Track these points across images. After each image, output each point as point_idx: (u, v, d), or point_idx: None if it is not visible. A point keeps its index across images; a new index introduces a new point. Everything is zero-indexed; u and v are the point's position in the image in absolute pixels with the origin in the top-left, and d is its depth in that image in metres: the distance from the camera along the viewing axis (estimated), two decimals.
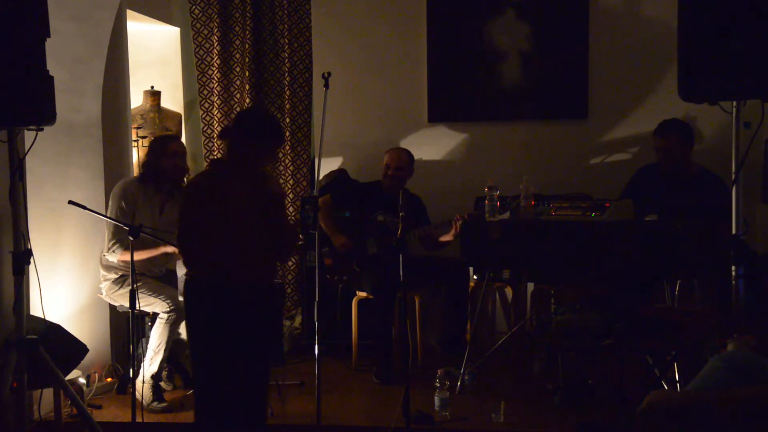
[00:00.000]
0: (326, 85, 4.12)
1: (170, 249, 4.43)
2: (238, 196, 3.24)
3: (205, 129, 5.92)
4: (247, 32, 5.83)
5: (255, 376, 3.32)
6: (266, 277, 3.39)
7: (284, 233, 3.35)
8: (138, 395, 4.11)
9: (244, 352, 3.27)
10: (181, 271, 4.31)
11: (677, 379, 4.03)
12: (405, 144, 5.64)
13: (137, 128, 5.58)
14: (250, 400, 3.32)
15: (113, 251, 4.39)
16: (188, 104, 6.13)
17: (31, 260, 3.56)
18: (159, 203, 4.59)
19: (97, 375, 4.61)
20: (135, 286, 3.84)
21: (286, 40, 5.85)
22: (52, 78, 3.47)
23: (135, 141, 5.45)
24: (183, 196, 3.41)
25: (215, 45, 5.85)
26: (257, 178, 3.31)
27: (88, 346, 4.20)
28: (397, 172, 5.15)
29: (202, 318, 3.30)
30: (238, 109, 5.90)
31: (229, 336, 3.25)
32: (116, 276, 4.50)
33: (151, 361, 4.38)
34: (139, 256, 4.25)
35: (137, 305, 3.85)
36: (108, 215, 4.38)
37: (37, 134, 3.52)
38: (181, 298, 4.38)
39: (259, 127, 3.37)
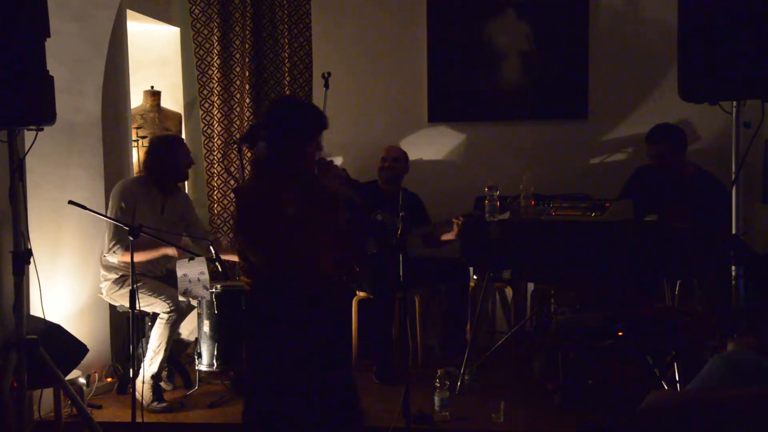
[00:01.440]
0: (326, 85, 4.13)
1: (170, 251, 4.43)
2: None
3: (205, 129, 5.92)
4: (247, 32, 5.83)
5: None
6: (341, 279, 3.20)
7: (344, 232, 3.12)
8: (138, 395, 4.11)
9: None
10: (180, 271, 4.31)
11: (677, 379, 4.03)
12: (405, 144, 5.64)
13: (137, 128, 5.58)
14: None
15: (114, 252, 4.39)
16: (188, 104, 6.13)
17: (31, 260, 3.55)
18: (160, 203, 4.59)
19: (97, 375, 4.60)
20: (135, 286, 3.84)
21: (286, 40, 5.84)
22: (52, 78, 3.47)
23: (135, 141, 5.44)
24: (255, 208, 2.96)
25: (215, 45, 5.84)
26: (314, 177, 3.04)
27: (88, 346, 4.20)
28: (394, 164, 5.16)
29: (284, 329, 2.97)
30: (238, 109, 5.90)
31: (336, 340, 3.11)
32: (116, 276, 4.50)
33: (151, 362, 4.38)
34: (140, 257, 4.25)
35: (137, 305, 3.85)
36: (108, 215, 4.38)
37: (37, 134, 3.52)
38: (181, 298, 4.38)
39: (296, 114, 3.04)
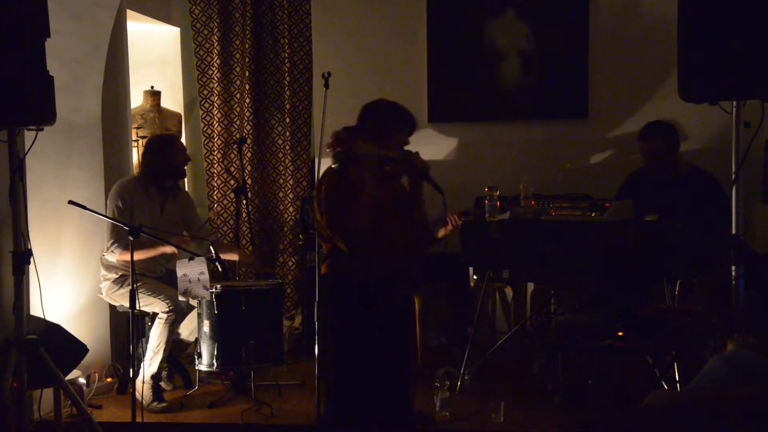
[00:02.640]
0: (326, 85, 4.12)
1: (169, 249, 4.43)
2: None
3: (205, 129, 5.92)
4: (247, 32, 5.83)
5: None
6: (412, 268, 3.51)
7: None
8: (138, 395, 4.11)
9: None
10: (180, 271, 4.31)
11: (677, 379, 4.03)
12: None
13: (137, 128, 5.58)
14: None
15: (112, 251, 4.39)
16: (188, 104, 6.13)
17: (31, 260, 3.55)
18: (159, 202, 4.59)
19: (97, 375, 4.60)
20: (135, 286, 3.84)
21: (286, 40, 5.85)
22: (52, 78, 3.47)
23: (135, 141, 5.45)
24: (338, 189, 3.29)
25: (215, 45, 5.85)
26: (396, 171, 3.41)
27: (88, 346, 4.19)
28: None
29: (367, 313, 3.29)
30: (238, 109, 5.90)
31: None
32: (116, 276, 4.50)
33: (151, 361, 4.38)
34: (138, 255, 4.25)
35: (137, 305, 3.85)
36: (108, 215, 4.38)
37: (37, 134, 3.52)
38: (181, 298, 4.38)
39: (385, 113, 3.46)
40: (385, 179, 3.37)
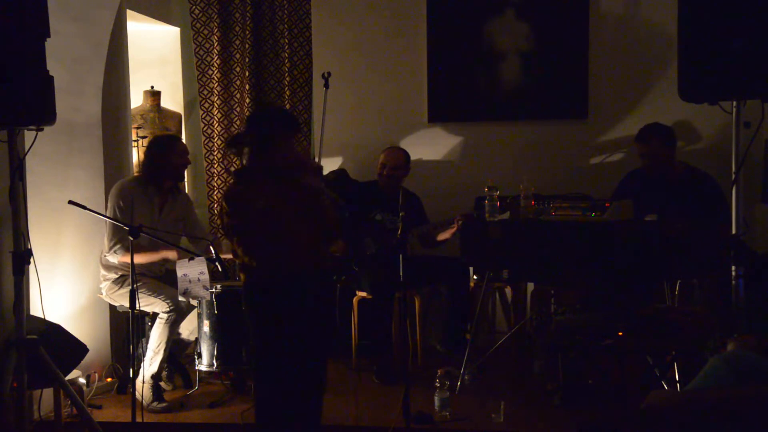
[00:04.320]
0: (326, 85, 4.12)
1: (171, 255, 4.43)
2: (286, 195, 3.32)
3: (205, 129, 5.92)
4: (247, 32, 5.83)
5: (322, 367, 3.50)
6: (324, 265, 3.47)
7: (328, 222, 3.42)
8: (138, 395, 4.11)
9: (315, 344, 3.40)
10: (180, 271, 4.31)
11: (677, 379, 4.03)
12: (405, 144, 5.64)
13: (137, 128, 5.58)
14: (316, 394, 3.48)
15: (114, 252, 4.39)
16: (188, 104, 6.13)
17: (31, 260, 3.55)
18: (158, 203, 4.59)
19: (97, 375, 4.61)
20: (135, 286, 3.84)
21: (286, 40, 5.85)
22: (52, 78, 3.47)
23: (135, 141, 5.44)
24: (232, 210, 3.30)
25: (215, 45, 5.85)
26: (290, 174, 3.35)
27: (88, 346, 4.19)
28: (393, 172, 5.15)
29: (277, 314, 3.32)
30: (238, 109, 5.90)
31: (304, 328, 3.34)
32: (116, 276, 4.50)
33: (151, 361, 4.38)
34: (140, 259, 4.26)
35: (137, 305, 3.85)
36: (108, 215, 4.38)
37: (37, 134, 3.52)
38: (181, 298, 4.38)
39: (266, 122, 3.38)
40: (281, 191, 3.33)
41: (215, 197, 5.92)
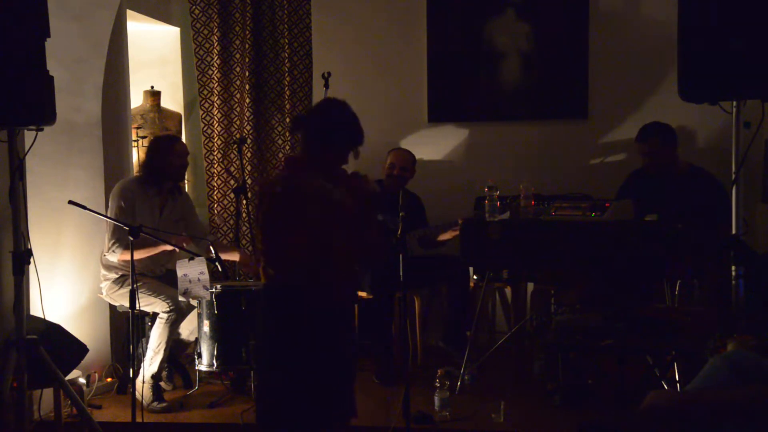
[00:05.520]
0: (326, 85, 4.13)
1: (169, 247, 4.43)
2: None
3: (205, 129, 5.92)
4: (247, 32, 5.83)
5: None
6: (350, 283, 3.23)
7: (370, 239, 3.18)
8: (138, 395, 4.11)
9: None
10: (180, 271, 4.31)
11: (677, 379, 4.03)
12: (405, 144, 5.64)
13: (137, 128, 5.58)
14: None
15: (113, 251, 4.39)
16: (188, 104, 6.13)
17: (31, 260, 3.55)
18: (159, 203, 4.59)
19: (97, 375, 4.60)
20: (135, 285, 3.84)
21: (286, 40, 5.84)
22: (52, 78, 3.47)
23: (135, 141, 5.45)
24: (265, 198, 3.05)
25: (215, 45, 5.84)
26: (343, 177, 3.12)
27: (88, 346, 4.19)
28: (403, 173, 5.19)
29: (293, 320, 3.02)
30: (238, 109, 5.90)
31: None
32: (116, 276, 4.50)
33: (151, 361, 4.38)
34: (139, 255, 4.25)
35: (137, 305, 3.85)
36: (108, 215, 4.38)
37: (37, 134, 3.52)
38: (181, 298, 4.38)
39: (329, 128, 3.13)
40: (329, 201, 3.02)
41: (215, 197, 5.92)
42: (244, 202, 5.53)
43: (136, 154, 5.48)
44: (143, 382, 4.33)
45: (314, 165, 3.08)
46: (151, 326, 4.47)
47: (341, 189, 3.05)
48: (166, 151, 4.56)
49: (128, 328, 4.28)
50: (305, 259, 2.98)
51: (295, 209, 2.98)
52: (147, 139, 5.41)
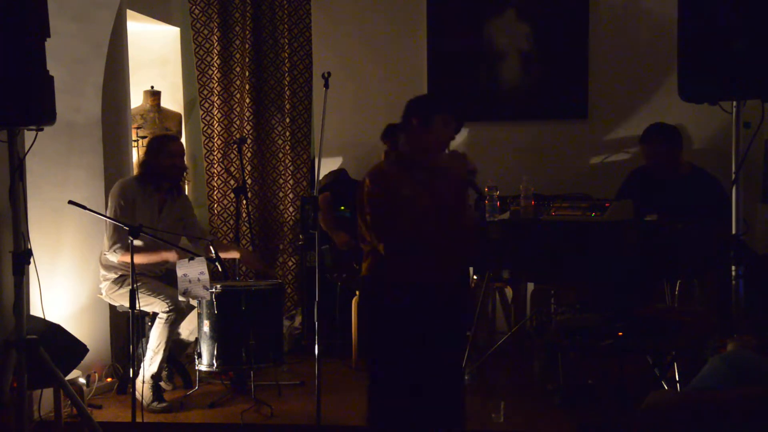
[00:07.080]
0: (326, 85, 4.11)
1: (171, 257, 4.42)
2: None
3: (205, 129, 5.92)
4: (247, 32, 5.83)
5: None
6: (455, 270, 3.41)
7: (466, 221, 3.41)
8: (138, 395, 4.11)
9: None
10: (180, 271, 4.31)
11: (677, 379, 4.03)
12: None
13: (137, 128, 5.58)
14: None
15: (114, 251, 4.38)
16: (188, 104, 6.13)
17: (31, 260, 3.55)
18: (158, 203, 4.59)
19: (97, 375, 4.60)
20: (135, 286, 3.84)
21: (286, 40, 5.85)
22: (52, 78, 3.46)
23: (135, 141, 5.45)
24: (376, 189, 3.23)
25: (215, 45, 5.85)
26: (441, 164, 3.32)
27: (88, 346, 4.19)
28: None
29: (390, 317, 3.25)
30: (238, 109, 5.90)
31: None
32: (116, 276, 4.49)
33: (151, 361, 4.38)
34: (140, 260, 4.25)
35: (137, 305, 3.85)
36: (108, 215, 4.38)
37: (37, 134, 3.51)
38: (181, 298, 4.38)
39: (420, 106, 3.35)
40: (428, 180, 3.28)
41: (215, 197, 5.92)
42: (244, 202, 5.53)
43: (136, 154, 5.48)
44: (143, 382, 4.33)
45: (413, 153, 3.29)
46: (151, 326, 4.46)
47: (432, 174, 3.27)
48: (158, 150, 4.55)
49: (128, 328, 4.27)
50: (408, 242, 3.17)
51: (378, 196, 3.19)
52: (147, 139, 5.40)
